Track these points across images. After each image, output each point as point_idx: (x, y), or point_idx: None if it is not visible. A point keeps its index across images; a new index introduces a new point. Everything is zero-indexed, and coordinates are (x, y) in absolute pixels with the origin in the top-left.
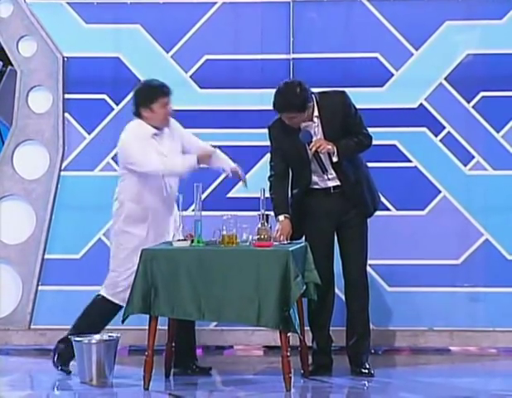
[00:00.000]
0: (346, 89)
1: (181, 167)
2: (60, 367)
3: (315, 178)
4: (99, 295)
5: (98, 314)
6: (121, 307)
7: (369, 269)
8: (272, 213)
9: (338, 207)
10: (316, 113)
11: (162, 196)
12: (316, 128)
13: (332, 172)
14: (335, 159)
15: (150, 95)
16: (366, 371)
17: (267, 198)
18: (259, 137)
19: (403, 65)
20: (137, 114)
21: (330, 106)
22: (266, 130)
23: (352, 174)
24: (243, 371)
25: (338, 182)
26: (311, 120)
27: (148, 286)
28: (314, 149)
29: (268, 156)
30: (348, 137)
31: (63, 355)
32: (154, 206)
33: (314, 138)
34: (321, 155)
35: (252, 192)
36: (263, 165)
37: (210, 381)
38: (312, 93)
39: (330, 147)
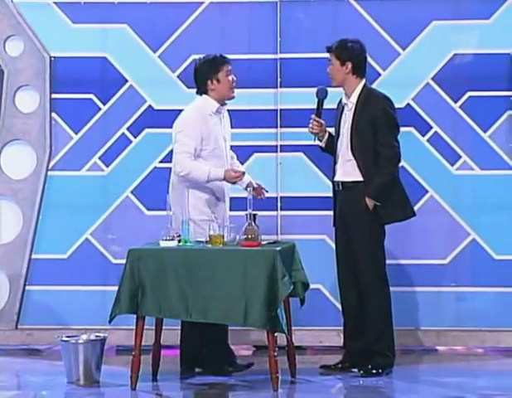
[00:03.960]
0: (333, 89)
1: (205, 177)
2: None
3: None
4: None
5: None
6: None
7: None
8: (259, 213)
9: None
10: (354, 98)
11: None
12: (348, 111)
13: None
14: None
15: (214, 66)
16: (361, 371)
17: (254, 198)
18: (246, 136)
19: (390, 64)
20: (203, 91)
21: (369, 103)
22: (252, 130)
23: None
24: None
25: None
26: (348, 99)
27: (135, 286)
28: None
29: (255, 155)
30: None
31: None
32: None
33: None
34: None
35: (239, 192)
36: (251, 164)
37: (196, 380)
38: (366, 84)
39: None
